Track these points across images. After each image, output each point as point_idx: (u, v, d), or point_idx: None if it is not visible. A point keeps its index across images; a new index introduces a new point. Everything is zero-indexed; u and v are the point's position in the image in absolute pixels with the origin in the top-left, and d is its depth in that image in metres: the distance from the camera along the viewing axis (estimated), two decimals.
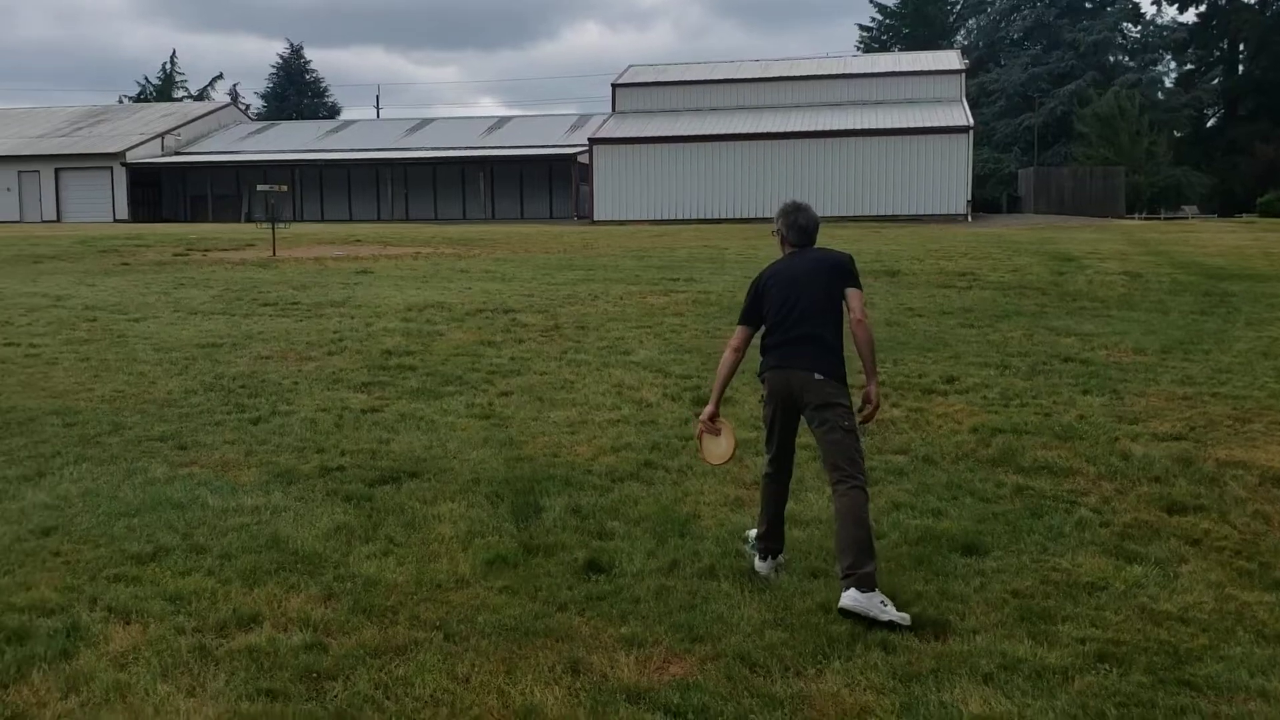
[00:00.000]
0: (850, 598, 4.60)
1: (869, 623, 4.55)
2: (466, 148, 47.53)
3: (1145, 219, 44.49)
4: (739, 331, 5.26)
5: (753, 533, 5.41)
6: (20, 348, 11.18)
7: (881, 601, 4.59)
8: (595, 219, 40.91)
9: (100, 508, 6.05)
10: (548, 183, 47.84)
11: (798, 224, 5.25)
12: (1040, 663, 4.25)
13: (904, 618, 4.58)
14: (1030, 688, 4.06)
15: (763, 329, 5.19)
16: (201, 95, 79.18)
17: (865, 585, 4.61)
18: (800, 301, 5.03)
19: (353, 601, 4.79)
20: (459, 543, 5.56)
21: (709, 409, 5.39)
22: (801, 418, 5.09)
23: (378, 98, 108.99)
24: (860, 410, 5.06)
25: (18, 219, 47.05)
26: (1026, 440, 7.55)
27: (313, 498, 6.27)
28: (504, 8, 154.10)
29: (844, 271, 5.08)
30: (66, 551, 5.38)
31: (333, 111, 77.17)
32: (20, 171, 48.55)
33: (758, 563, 5.24)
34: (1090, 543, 5.63)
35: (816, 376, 4.92)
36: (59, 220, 46.78)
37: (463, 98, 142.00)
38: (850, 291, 5.03)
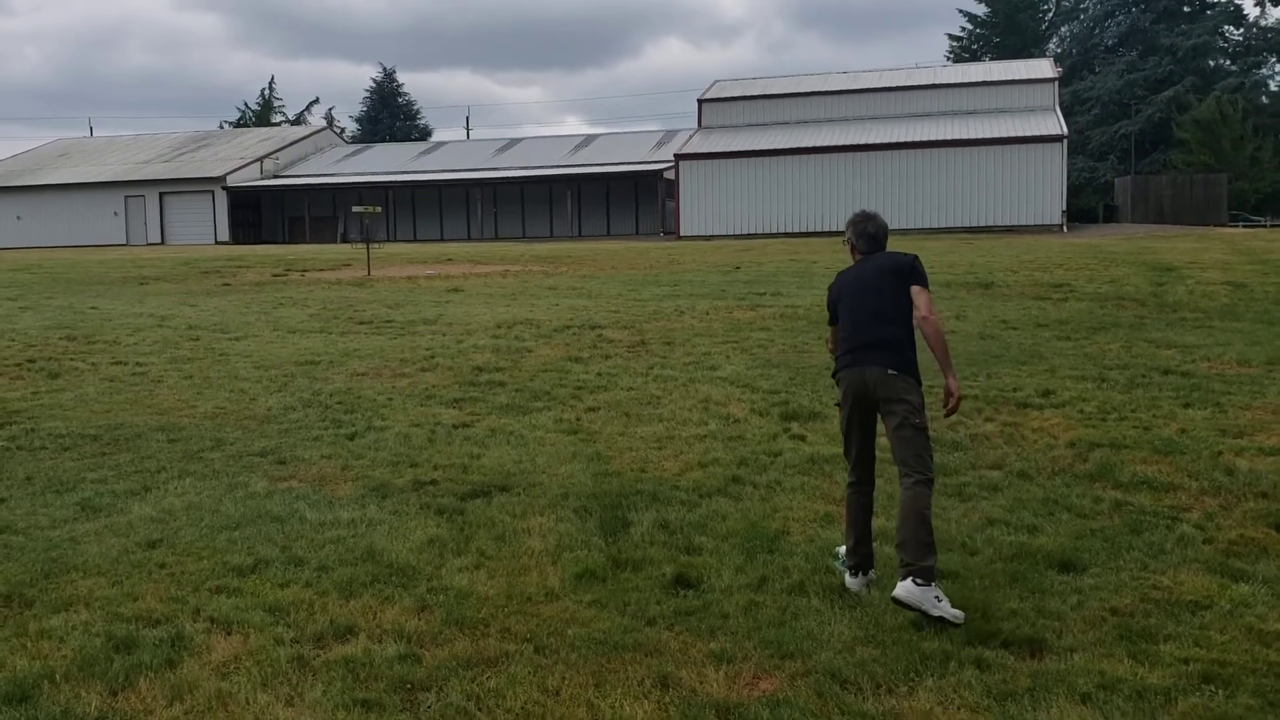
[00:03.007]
0: (904, 589, 4.66)
1: (963, 641, 4.48)
2: (554, 166, 48.01)
3: (1249, 227, 43.09)
4: (830, 331, 5.62)
5: (843, 549, 5.37)
6: (127, 366, 11.58)
7: (936, 597, 4.64)
8: (681, 235, 40.97)
9: (203, 521, 6.24)
10: (634, 199, 48.07)
11: (866, 232, 5.39)
12: (1141, 683, 4.14)
13: (957, 615, 4.61)
14: (1131, 708, 3.96)
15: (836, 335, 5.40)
16: (298, 119, 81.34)
17: (923, 578, 4.66)
18: (867, 306, 5.18)
19: (445, 613, 4.86)
20: (548, 556, 5.61)
21: None
22: (878, 418, 5.17)
23: (468, 119, 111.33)
24: (943, 404, 5.15)
25: (124, 242, 48.81)
26: (1125, 455, 7.36)
27: (406, 511, 6.38)
28: (587, 27, 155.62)
29: (907, 271, 5.16)
30: (171, 563, 5.56)
31: (424, 133, 78.61)
32: (127, 196, 50.37)
33: (848, 579, 5.20)
34: (1193, 560, 5.47)
35: (890, 371, 5.02)
36: (163, 243, 48.40)
37: (548, 117, 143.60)
38: (915, 289, 5.10)
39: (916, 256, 5.22)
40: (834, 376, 5.35)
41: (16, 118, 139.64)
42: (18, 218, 50.81)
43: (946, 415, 5.23)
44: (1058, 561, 5.42)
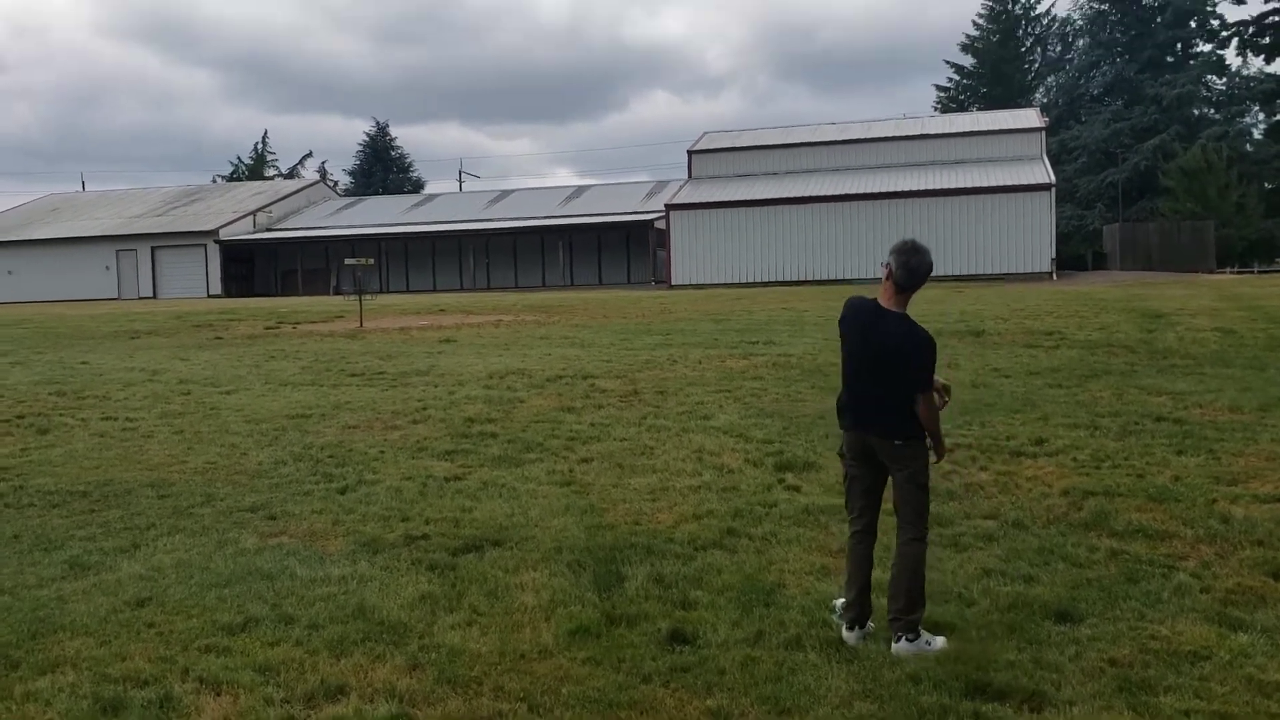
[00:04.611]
0: (903, 648, 4.95)
1: (961, 694, 4.44)
2: (546, 217, 48.28)
3: (1237, 273, 43.38)
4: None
5: (840, 602, 5.33)
6: (118, 421, 11.52)
7: (926, 642, 4.97)
8: (673, 284, 41.12)
9: (193, 578, 6.17)
10: (625, 249, 48.27)
11: (908, 265, 5.15)
12: None
13: (942, 641, 5.00)
14: None
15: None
16: (292, 173, 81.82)
17: (912, 633, 4.97)
18: (869, 378, 5.25)
19: (438, 672, 4.80)
20: (542, 612, 5.55)
21: None
22: (883, 470, 5.33)
23: (460, 171, 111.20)
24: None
25: (116, 296, 48.81)
26: (1120, 503, 7.34)
27: (398, 567, 6.33)
28: (573, 80, 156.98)
29: (914, 369, 5.09)
30: (160, 622, 5.49)
31: (417, 186, 79.05)
32: (118, 250, 50.46)
33: (845, 633, 5.16)
34: (1191, 609, 5.43)
35: (896, 443, 5.16)
36: (155, 296, 48.41)
37: (539, 169, 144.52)
38: (917, 397, 5.09)
39: (931, 346, 5.09)
40: (840, 428, 5.49)
41: (8, 173, 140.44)
42: (9, 272, 50.85)
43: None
44: (1055, 611, 5.39)
